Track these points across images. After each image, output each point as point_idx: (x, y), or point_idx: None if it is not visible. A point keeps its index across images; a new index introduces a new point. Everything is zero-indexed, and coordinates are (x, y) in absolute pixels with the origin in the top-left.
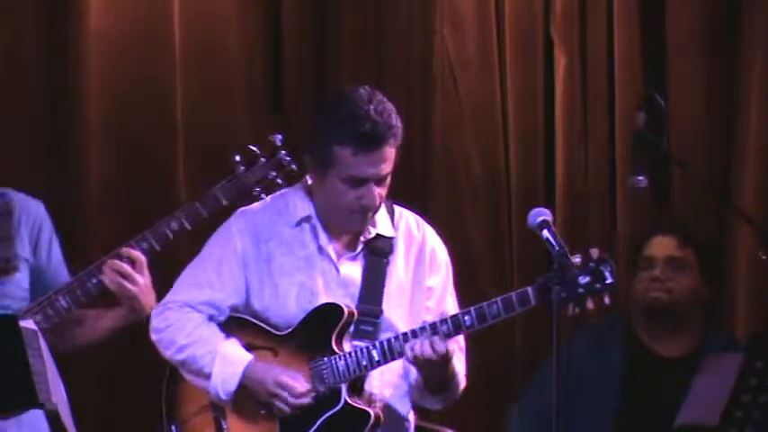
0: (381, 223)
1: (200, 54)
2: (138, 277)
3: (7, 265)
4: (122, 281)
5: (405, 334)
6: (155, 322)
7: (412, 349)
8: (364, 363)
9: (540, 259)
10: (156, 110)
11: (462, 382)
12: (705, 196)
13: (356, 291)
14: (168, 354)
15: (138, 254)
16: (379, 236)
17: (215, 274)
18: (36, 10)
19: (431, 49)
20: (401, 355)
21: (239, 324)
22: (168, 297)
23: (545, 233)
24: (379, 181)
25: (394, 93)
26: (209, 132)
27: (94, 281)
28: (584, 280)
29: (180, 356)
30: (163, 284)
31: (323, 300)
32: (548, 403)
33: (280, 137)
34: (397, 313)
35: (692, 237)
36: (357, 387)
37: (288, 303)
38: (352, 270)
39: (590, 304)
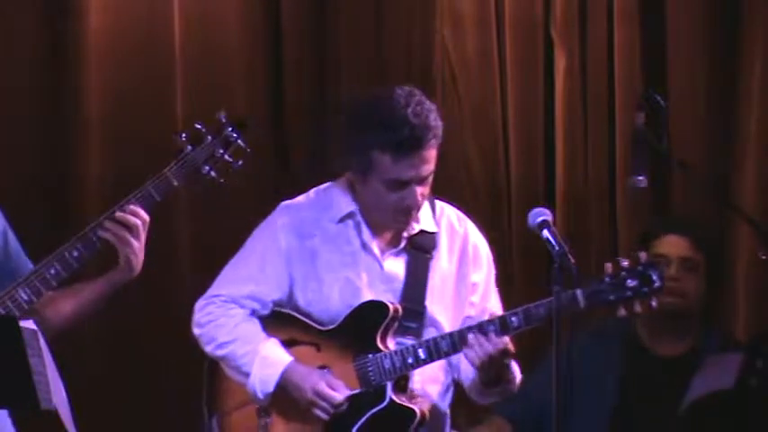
0: (424, 219)
1: (200, 54)
2: (141, 232)
3: None
4: (126, 234)
5: (451, 334)
6: (197, 316)
7: (476, 354)
8: (410, 361)
9: (540, 259)
10: (156, 109)
11: (518, 374)
12: (705, 196)
13: (399, 286)
14: (209, 349)
15: (142, 212)
16: (422, 231)
17: (258, 269)
18: (36, 10)
19: (431, 49)
20: (447, 354)
21: (283, 319)
22: (211, 291)
23: (545, 233)
24: (421, 181)
25: None
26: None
27: (53, 271)
28: (632, 283)
29: (220, 353)
30: (162, 272)
31: (367, 295)
32: (527, 411)
33: (224, 114)
34: (440, 309)
35: (703, 238)
36: (402, 384)
37: (332, 299)
38: (396, 266)
39: (638, 307)
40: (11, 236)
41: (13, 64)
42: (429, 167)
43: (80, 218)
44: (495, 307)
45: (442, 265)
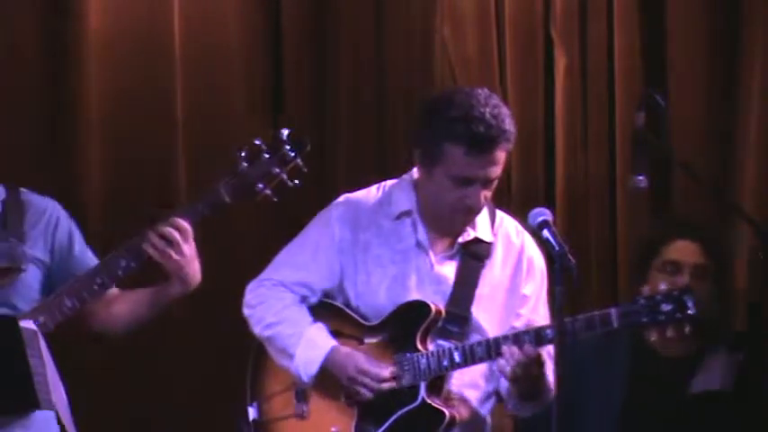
0: (481, 227)
1: (201, 54)
2: (184, 246)
3: (12, 265)
4: (167, 249)
5: (488, 341)
6: (248, 297)
7: (507, 365)
8: (445, 363)
9: None
10: (156, 110)
11: (552, 387)
12: (705, 196)
13: (448, 289)
14: (257, 330)
15: (184, 223)
16: (477, 239)
17: (311, 257)
18: (36, 10)
19: (431, 49)
20: (482, 360)
21: (330, 310)
22: (265, 274)
23: (545, 233)
24: (486, 183)
25: (394, 93)
26: (210, 132)
27: (98, 280)
28: (666, 308)
29: (267, 333)
30: (161, 273)
31: (414, 294)
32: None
33: (286, 131)
34: (487, 317)
35: (715, 245)
36: (436, 386)
37: (378, 294)
38: (447, 269)
39: (670, 332)
40: (76, 237)
41: (13, 64)
42: (496, 170)
43: (80, 218)
44: (541, 321)
45: (495, 274)
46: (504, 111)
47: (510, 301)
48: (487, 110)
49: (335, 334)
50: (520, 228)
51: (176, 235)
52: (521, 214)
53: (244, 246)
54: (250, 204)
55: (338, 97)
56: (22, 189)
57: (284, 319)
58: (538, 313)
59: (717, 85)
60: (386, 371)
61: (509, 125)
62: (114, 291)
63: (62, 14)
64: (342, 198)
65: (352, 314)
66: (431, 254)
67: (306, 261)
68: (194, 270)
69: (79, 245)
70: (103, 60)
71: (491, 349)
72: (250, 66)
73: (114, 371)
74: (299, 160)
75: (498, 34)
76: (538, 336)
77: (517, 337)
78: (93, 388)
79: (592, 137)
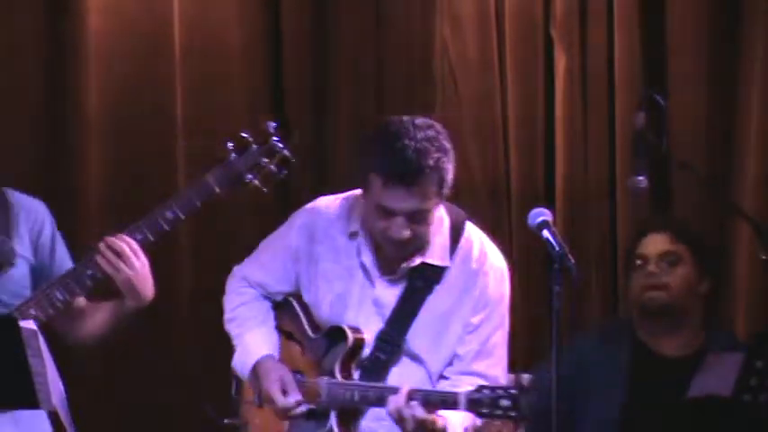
0: (437, 251)
1: (201, 54)
2: (133, 259)
3: (2, 260)
4: (118, 261)
5: (382, 387)
6: (227, 284)
7: (394, 407)
8: (356, 399)
9: (540, 260)
10: (156, 110)
11: None
12: (705, 196)
13: (387, 313)
14: (224, 317)
15: (130, 239)
16: (424, 264)
17: (269, 260)
18: (36, 10)
19: (431, 49)
20: (374, 404)
21: (290, 312)
22: (241, 264)
23: (545, 233)
24: (413, 216)
25: (394, 93)
26: (209, 132)
27: (89, 272)
28: (505, 403)
29: (225, 325)
30: (161, 273)
31: (353, 313)
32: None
33: (273, 123)
34: (425, 343)
35: (685, 231)
36: (347, 416)
37: (323, 308)
38: (389, 293)
39: (507, 428)
40: (59, 242)
41: (13, 64)
42: (417, 204)
43: (80, 218)
44: (488, 349)
45: (442, 301)
46: (435, 146)
47: (454, 326)
48: (413, 143)
49: (289, 336)
50: (485, 251)
51: (124, 246)
52: (521, 214)
53: (243, 246)
54: (250, 203)
55: (338, 97)
56: (8, 189)
57: (235, 317)
58: (488, 342)
59: (717, 84)
60: (289, 402)
61: (435, 161)
62: (81, 302)
63: (62, 14)
64: (310, 204)
65: (304, 322)
66: (373, 276)
67: (265, 263)
68: (145, 286)
69: (60, 248)
70: (103, 60)
71: (378, 397)
72: (250, 66)
73: (113, 370)
74: (286, 151)
75: (498, 34)
76: (444, 400)
77: (413, 396)
78: (91, 387)
79: (592, 137)
